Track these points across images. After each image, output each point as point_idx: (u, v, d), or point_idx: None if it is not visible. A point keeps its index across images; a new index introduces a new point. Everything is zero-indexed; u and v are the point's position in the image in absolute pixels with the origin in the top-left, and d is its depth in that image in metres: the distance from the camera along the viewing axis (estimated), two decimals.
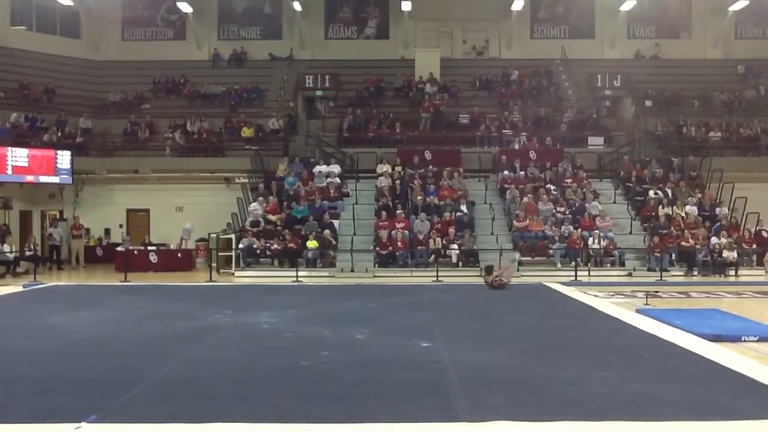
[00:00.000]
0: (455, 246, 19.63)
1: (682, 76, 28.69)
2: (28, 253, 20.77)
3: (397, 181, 22.38)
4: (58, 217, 24.85)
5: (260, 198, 21.67)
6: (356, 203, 21.93)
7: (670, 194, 21.94)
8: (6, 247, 20.46)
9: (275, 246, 19.81)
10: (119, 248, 22.25)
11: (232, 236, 20.84)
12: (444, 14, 30.23)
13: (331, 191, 22.05)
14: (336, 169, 23.17)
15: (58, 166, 23.36)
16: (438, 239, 19.77)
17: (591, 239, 19.85)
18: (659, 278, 18.19)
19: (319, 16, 30.55)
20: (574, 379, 6.98)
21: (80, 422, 5.56)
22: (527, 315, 12.00)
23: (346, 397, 6.42)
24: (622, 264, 19.76)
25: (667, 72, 28.80)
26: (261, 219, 20.85)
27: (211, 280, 18.06)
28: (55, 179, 23.59)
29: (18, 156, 22.62)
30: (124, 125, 26.17)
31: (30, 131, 24.98)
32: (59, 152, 23.49)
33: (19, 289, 16.22)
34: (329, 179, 22.51)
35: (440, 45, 29.71)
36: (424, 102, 26.25)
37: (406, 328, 10.28)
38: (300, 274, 18.39)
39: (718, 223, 20.65)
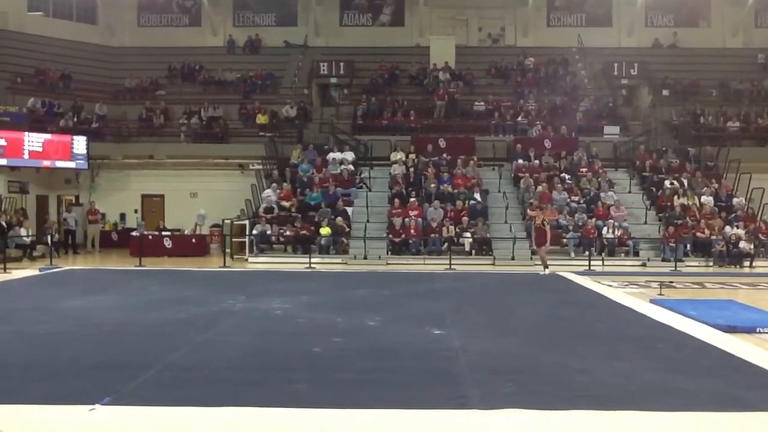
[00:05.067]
0: (468, 234, 19.61)
1: (701, 65, 28.38)
2: (47, 232, 20.89)
3: (411, 169, 22.34)
4: (73, 202, 25.03)
5: (274, 184, 21.73)
6: (370, 190, 21.90)
7: (686, 184, 21.76)
8: (23, 231, 20.65)
9: (288, 232, 19.87)
10: (134, 233, 22.44)
11: (246, 222, 20.93)
12: (459, 1, 30.08)
13: (345, 177, 22.04)
14: (350, 156, 23.16)
15: (74, 151, 23.56)
16: (451, 227, 19.74)
17: (605, 229, 19.76)
18: (674, 268, 18.08)
19: (334, 2, 30.46)
20: (586, 368, 6.96)
21: (94, 404, 5.61)
22: (540, 304, 11.96)
23: (358, 383, 6.44)
24: (637, 254, 19.68)
25: (686, 61, 28.52)
26: (275, 205, 20.90)
27: (224, 266, 18.13)
28: (71, 164, 23.79)
29: (34, 141, 22.82)
30: (139, 111, 26.31)
31: (46, 116, 25.13)
32: (75, 137, 23.68)
33: (36, 272, 16.41)
34: (343, 166, 22.51)
35: (455, 32, 29.52)
36: (438, 90, 26.15)
37: (418, 315, 10.27)
38: (313, 260, 18.42)
39: (734, 214, 20.47)
